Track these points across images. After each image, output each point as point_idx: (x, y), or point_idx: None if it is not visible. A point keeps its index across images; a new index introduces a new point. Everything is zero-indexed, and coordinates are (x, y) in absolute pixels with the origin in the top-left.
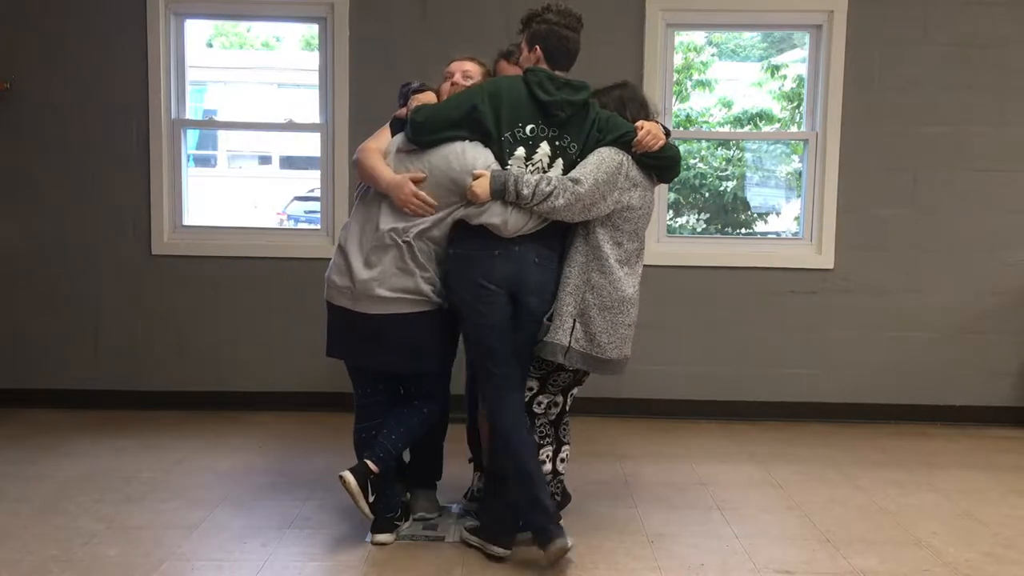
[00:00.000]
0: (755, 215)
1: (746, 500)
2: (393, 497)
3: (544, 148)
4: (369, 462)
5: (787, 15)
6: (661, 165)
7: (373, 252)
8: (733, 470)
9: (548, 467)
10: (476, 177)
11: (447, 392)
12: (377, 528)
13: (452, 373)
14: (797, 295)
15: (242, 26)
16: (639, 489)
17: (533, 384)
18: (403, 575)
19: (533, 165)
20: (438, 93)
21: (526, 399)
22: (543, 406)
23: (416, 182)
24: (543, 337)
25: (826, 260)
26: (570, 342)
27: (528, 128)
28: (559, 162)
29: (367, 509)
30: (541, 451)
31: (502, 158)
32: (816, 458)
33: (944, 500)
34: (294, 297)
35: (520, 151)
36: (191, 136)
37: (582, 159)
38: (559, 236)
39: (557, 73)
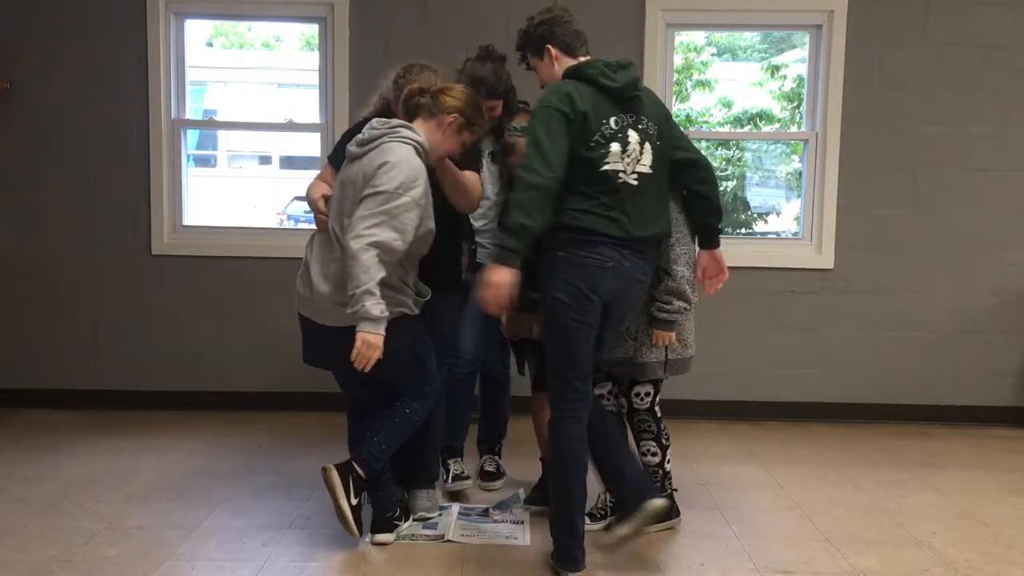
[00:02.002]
0: (755, 215)
1: (746, 500)
2: (391, 497)
3: (633, 135)
4: (355, 463)
5: (787, 15)
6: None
7: (331, 264)
8: (733, 470)
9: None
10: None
11: (431, 391)
12: (377, 528)
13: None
14: (797, 295)
15: (242, 26)
16: None
17: (650, 388)
18: (403, 575)
19: (629, 157)
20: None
21: (650, 405)
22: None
23: (325, 198)
24: (630, 358)
25: (826, 260)
26: (667, 355)
27: (612, 120)
28: (647, 147)
29: (347, 508)
30: (647, 444)
31: (597, 162)
32: (816, 458)
33: (944, 500)
34: (294, 297)
35: (615, 147)
36: (191, 136)
37: (661, 142)
38: (658, 249)
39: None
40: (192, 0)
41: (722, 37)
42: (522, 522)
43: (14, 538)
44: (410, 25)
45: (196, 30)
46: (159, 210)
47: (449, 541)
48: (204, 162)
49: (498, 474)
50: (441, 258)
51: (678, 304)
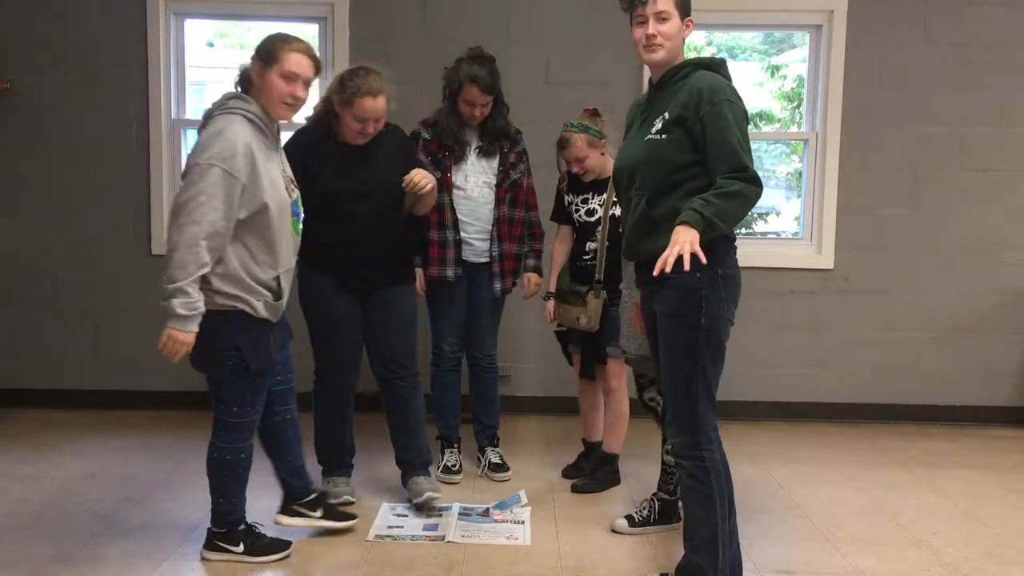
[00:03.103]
0: (755, 215)
1: (746, 500)
2: (293, 486)
3: None
4: (211, 530)
5: (787, 15)
6: None
7: None
8: (733, 470)
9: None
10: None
11: (239, 414)
12: (280, 509)
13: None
14: (797, 295)
15: (243, 28)
16: (639, 489)
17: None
18: (403, 575)
19: None
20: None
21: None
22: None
23: None
24: None
25: (826, 260)
26: None
27: None
28: None
29: (249, 557)
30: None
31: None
32: (816, 458)
33: (944, 500)
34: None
35: None
36: (191, 136)
37: None
38: None
39: None
40: (192, 0)
41: (722, 37)
42: (522, 522)
43: (14, 538)
44: (409, 25)
45: (196, 30)
46: (159, 210)
47: (450, 542)
48: None
49: (505, 465)
50: (394, 248)
51: None
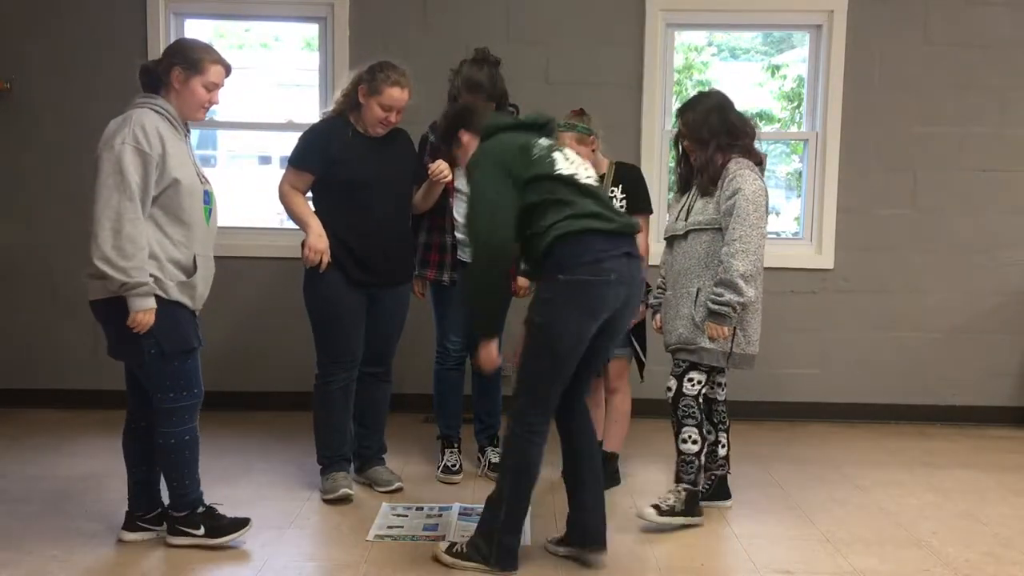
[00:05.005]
0: None
1: (746, 500)
2: (139, 496)
3: (566, 152)
4: (172, 513)
5: (787, 15)
6: None
7: None
8: (733, 470)
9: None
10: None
11: (177, 399)
12: (123, 525)
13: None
14: (797, 295)
15: (241, 29)
16: (639, 489)
17: (703, 377)
18: (403, 575)
19: (573, 165)
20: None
21: (697, 393)
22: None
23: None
24: (700, 343)
25: (826, 260)
26: (732, 347)
27: (542, 140)
28: (582, 164)
29: (212, 540)
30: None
31: (550, 171)
32: (816, 458)
33: (944, 500)
34: (294, 297)
35: (556, 155)
36: (192, 135)
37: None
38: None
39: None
40: (192, 0)
41: (722, 37)
42: None
43: (14, 538)
44: (409, 25)
45: (196, 30)
46: None
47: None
48: (204, 162)
49: None
50: (397, 248)
51: (729, 297)
